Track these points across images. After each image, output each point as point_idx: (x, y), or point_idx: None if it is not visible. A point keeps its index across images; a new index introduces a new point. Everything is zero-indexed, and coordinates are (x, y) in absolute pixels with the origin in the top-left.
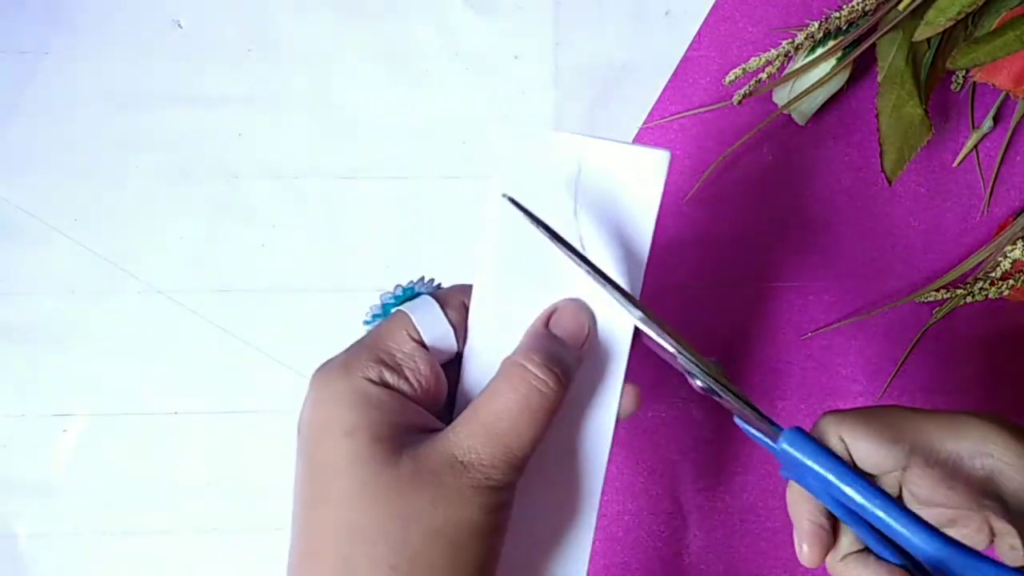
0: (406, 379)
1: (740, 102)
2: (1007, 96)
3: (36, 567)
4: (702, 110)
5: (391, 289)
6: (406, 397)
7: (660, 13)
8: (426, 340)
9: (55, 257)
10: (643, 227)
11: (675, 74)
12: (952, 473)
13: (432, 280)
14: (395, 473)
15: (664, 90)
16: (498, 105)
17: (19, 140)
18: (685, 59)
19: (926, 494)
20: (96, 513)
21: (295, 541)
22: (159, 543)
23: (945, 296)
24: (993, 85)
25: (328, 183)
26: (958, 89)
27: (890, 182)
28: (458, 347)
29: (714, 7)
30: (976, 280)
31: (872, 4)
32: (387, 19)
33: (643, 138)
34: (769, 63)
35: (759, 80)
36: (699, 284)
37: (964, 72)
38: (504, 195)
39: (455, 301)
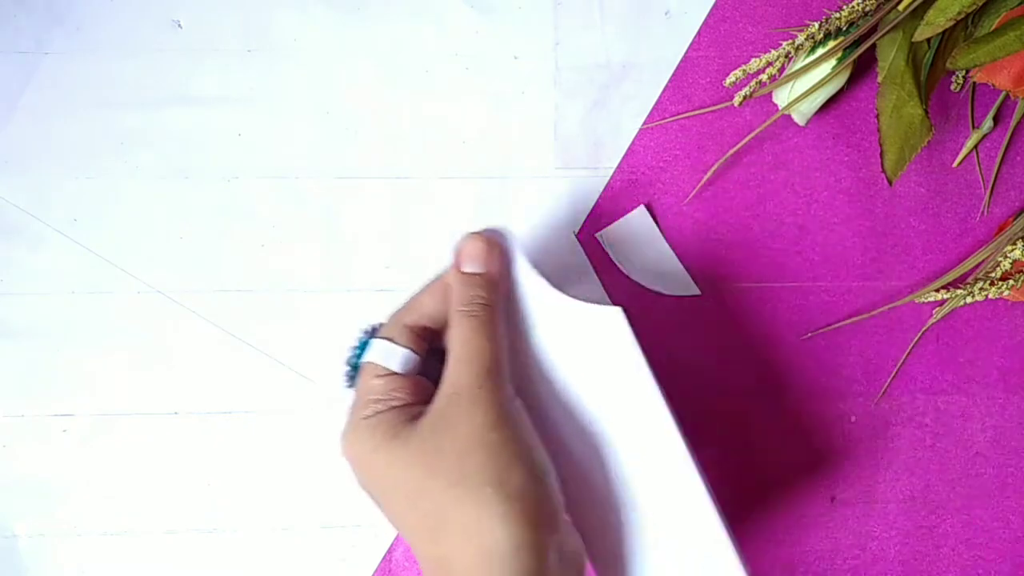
0: (398, 400)
1: (741, 103)
2: (1007, 96)
3: (36, 567)
4: (702, 111)
5: (349, 352)
6: (407, 406)
7: (660, 13)
8: (397, 369)
9: (54, 257)
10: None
11: (675, 74)
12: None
13: (373, 325)
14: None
15: (664, 90)
16: (498, 105)
17: (18, 140)
18: (685, 59)
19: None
20: (96, 513)
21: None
22: (159, 543)
23: (945, 296)
24: (993, 85)
25: (328, 183)
26: (958, 89)
27: (891, 182)
28: (419, 349)
29: (714, 7)
30: (976, 280)
31: (872, 5)
32: (387, 19)
33: (643, 138)
34: (769, 64)
35: (759, 82)
36: (699, 284)
37: (964, 72)
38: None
39: (396, 328)
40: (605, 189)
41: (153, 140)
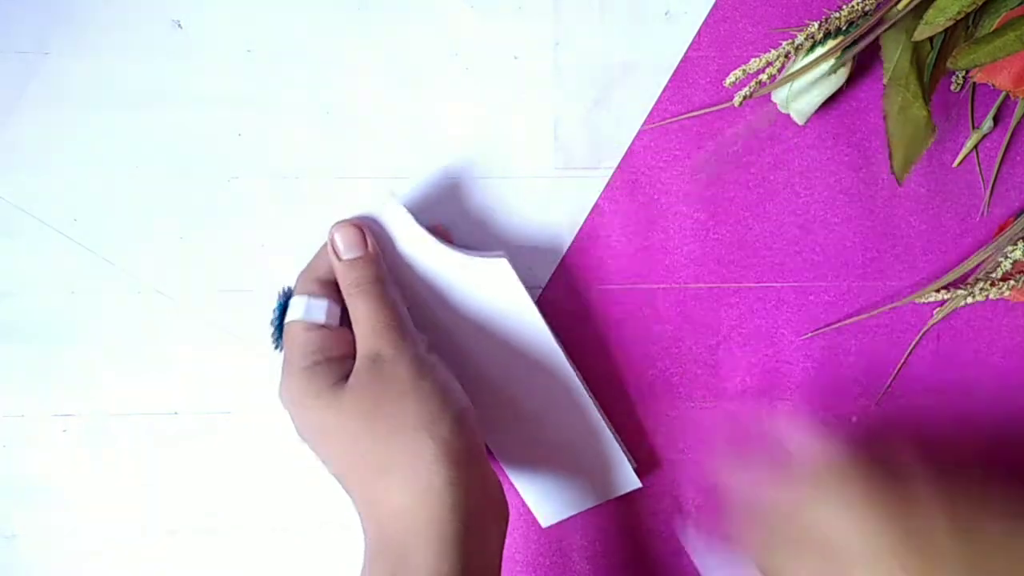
0: (332, 351)
1: (741, 104)
2: (1007, 96)
3: (35, 567)
4: (702, 111)
5: (272, 315)
6: (340, 358)
7: (660, 13)
8: (322, 320)
9: (54, 257)
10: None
11: (675, 74)
12: None
13: (287, 287)
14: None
15: (664, 90)
16: (498, 105)
17: (18, 140)
18: (685, 59)
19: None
20: (96, 513)
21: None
22: (159, 543)
23: (945, 296)
24: (993, 85)
25: (328, 183)
26: (958, 89)
27: (899, 183)
28: (336, 300)
29: (714, 7)
30: (976, 281)
31: (871, 4)
32: (387, 19)
33: (643, 138)
34: (769, 64)
35: (759, 82)
36: (699, 284)
37: (964, 72)
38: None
39: (310, 284)
40: (605, 189)
41: (153, 140)
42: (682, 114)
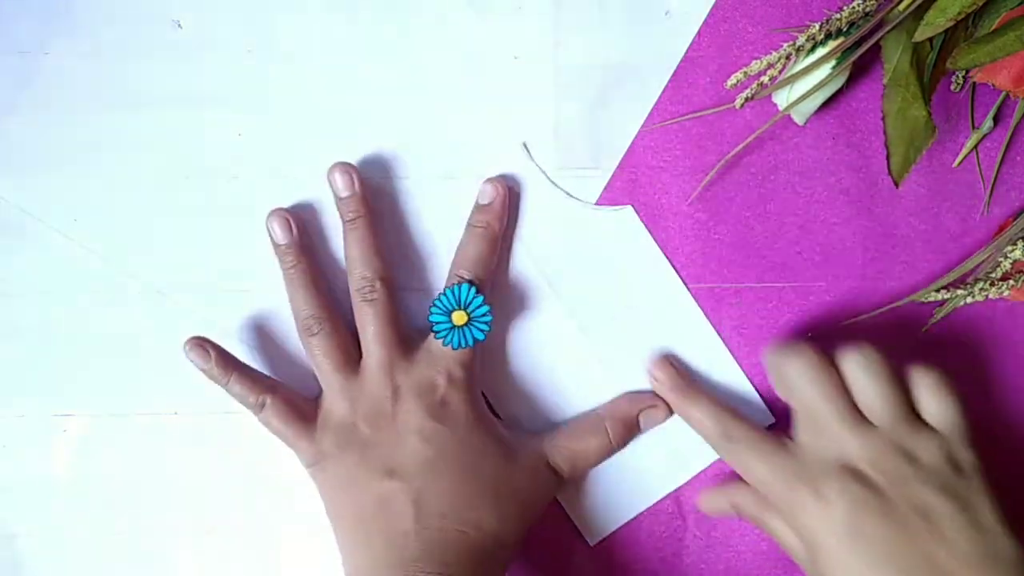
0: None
1: (742, 106)
2: (1007, 96)
3: (35, 567)
4: (703, 113)
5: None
6: None
7: (660, 13)
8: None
9: (54, 257)
10: None
11: (675, 75)
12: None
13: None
14: None
15: (664, 91)
16: (498, 105)
17: (18, 140)
18: (685, 59)
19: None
20: (96, 513)
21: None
22: (159, 543)
23: (945, 296)
24: (993, 85)
25: (328, 184)
26: (958, 89)
27: (897, 184)
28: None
29: (714, 7)
30: (976, 281)
31: (872, 5)
32: (387, 19)
33: (643, 139)
34: (771, 66)
35: (761, 83)
36: (700, 285)
37: (964, 72)
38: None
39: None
40: (605, 190)
41: (153, 140)
42: (682, 114)
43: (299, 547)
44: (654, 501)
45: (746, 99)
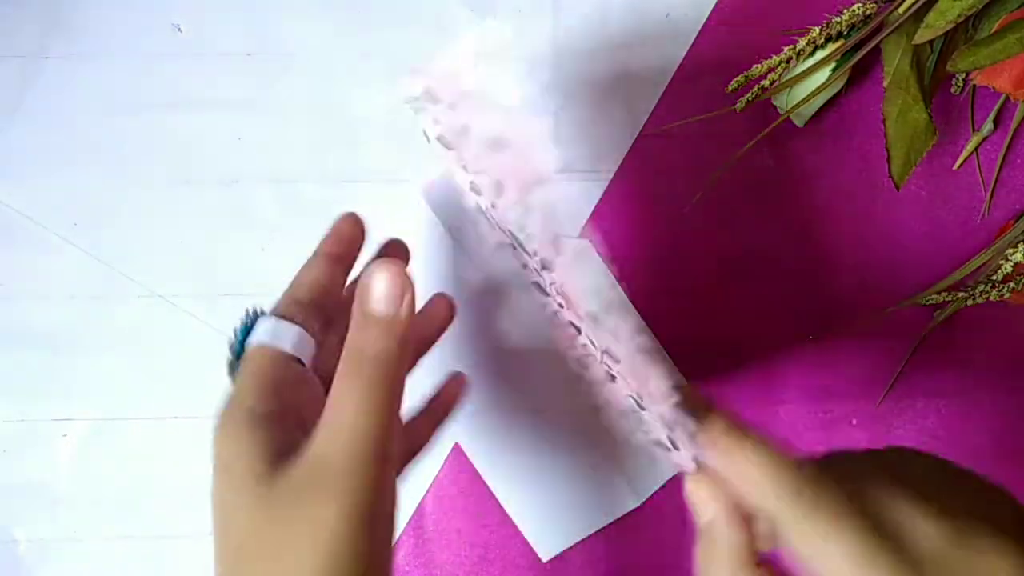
0: (284, 408)
1: (743, 109)
2: (1007, 99)
3: (36, 573)
4: (703, 116)
5: (231, 337)
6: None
7: (660, 15)
8: (288, 349)
9: (54, 262)
10: None
11: (675, 77)
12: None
13: (258, 308)
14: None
15: (664, 93)
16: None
17: (18, 144)
18: (685, 61)
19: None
20: (97, 518)
21: None
22: (160, 548)
23: (946, 299)
24: (993, 88)
25: (328, 187)
26: (958, 92)
27: (898, 187)
28: (312, 329)
29: (714, 10)
30: (977, 283)
31: (872, 8)
32: (387, 22)
33: (643, 141)
34: (771, 69)
35: (761, 87)
36: (700, 286)
37: (964, 75)
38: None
39: (288, 307)
40: (605, 193)
41: (153, 144)
42: (682, 117)
43: None
44: (608, 521)
45: (747, 102)
